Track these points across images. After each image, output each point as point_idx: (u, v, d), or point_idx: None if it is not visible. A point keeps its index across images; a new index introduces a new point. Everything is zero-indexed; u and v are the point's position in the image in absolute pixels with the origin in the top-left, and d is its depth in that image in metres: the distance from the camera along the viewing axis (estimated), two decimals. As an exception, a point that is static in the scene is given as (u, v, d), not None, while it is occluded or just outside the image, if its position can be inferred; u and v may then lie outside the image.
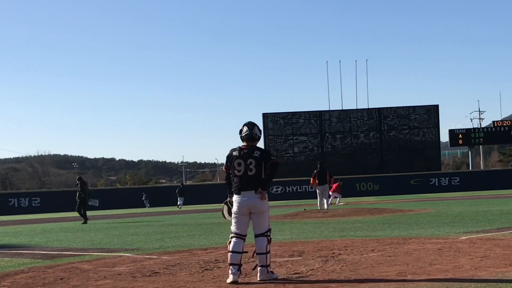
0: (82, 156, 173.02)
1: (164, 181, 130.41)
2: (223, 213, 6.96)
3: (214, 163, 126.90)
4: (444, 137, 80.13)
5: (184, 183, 58.38)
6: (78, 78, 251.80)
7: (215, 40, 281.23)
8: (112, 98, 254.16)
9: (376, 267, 6.73)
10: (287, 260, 7.69)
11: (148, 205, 43.45)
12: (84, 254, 9.79)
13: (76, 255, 9.79)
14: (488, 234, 10.04)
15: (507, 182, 41.72)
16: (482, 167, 63.35)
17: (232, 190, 6.35)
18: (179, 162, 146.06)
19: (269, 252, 6.23)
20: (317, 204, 21.30)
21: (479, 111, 71.71)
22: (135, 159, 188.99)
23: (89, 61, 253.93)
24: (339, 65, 71.97)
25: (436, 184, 43.94)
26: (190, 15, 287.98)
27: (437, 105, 46.75)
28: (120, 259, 8.77)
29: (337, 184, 27.54)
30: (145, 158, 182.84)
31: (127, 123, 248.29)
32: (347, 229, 12.50)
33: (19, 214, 40.54)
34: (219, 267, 7.29)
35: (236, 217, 6.29)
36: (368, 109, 47.89)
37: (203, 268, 7.28)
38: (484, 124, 71.03)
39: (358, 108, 48.19)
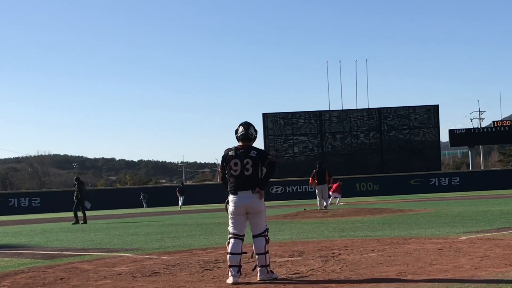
0: (82, 156, 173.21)
1: (164, 181, 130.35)
2: (227, 211, 6.95)
3: (214, 163, 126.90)
4: (444, 137, 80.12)
5: (184, 183, 58.36)
6: (78, 78, 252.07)
7: (215, 40, 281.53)
8: (112, 98, 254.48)
9: (376, 267, 6.73)
10: (287, 260, 7.69)
11: (145, 205, 43.39)
12: (84, 254, 9.79)
13: (76, 255, 9.79)
14: (488, 234, 10.04)
15: (507, 182, 41.68)
16: (482, 167, 63.33)
17: (228, 190, 6.32)
18: (179, 162, 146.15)
19: (268, 252, 6.22)
20: (317, 204, 21.34)
21: (479, 111, 71.86)
22: (135, 159, 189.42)
23: (89, 61, 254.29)
24: (339, 65, 72.01)
25: (436, 184, 43.91)
26: (190, 15, 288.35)
27: (437, 105, 46.82)
28: (120, 259, 8.77)
29: (337, 184, 27.55)
30: (145, 158, 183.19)
31: (127, 123, 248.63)
32: (347, 229, 12.50)
33: (19, 214, 40.51)
34: (219, 267, 7.28)
35: (232, 217, 6.27)
36: (368, 109, 47.90)
37: (203, 268, 7.28)
38: (484, 124, 71.21)
39: (358, 108, 48.22)
